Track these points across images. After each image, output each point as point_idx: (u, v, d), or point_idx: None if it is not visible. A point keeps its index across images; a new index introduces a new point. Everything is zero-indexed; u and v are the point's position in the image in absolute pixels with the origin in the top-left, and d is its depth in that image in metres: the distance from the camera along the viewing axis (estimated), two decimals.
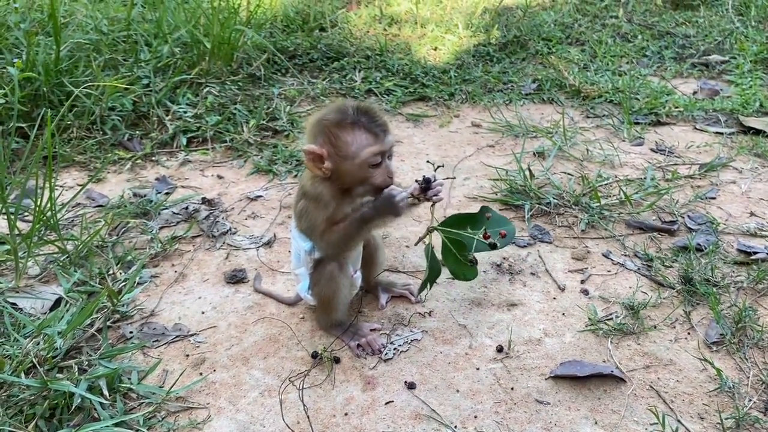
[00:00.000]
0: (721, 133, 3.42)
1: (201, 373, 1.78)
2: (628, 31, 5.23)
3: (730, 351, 1.86)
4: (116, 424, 1.55)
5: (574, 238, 2.45)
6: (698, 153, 3.20)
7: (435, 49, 4.65)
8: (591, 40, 4.94)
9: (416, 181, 1.78)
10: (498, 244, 1.80)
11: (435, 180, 1.77)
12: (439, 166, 1.85)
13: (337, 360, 1.83)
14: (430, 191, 1.76)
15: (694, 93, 4.05)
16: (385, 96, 3.86)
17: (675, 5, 5.97)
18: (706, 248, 2.32)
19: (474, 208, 2.62)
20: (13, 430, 1.50)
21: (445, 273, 1.90)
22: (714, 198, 2.74)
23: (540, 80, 4.14)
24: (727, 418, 1.62)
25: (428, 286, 1.86)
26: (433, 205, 1.81)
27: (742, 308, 1.95)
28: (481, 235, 1.78)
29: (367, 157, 1.67)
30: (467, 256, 1.80)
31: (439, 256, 1.85)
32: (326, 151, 1.68)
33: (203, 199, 2.70)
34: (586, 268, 2.26)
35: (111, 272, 2.17)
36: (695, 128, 3.52)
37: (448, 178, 1.95)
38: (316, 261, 1.84)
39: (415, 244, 1.92)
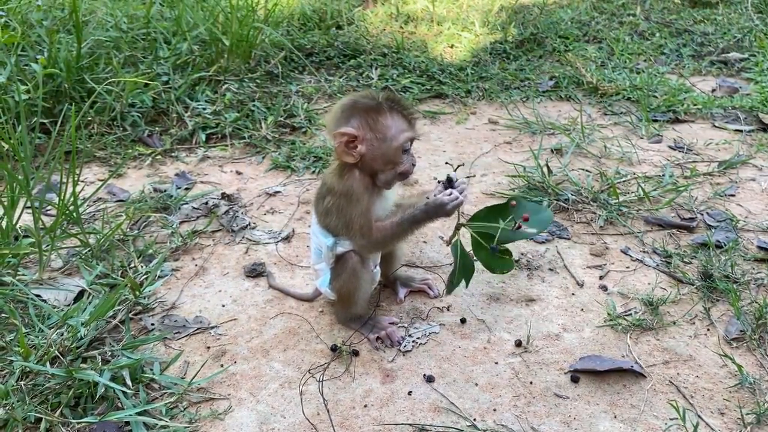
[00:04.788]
0: (741, 131, 3.39)
1: (222, 365, 1.80)
2: (645, 28, 5.21)
3: (751, 347, 1.86)
4: (139, 413, 1.57)
5: (593, 234, 2.45)
6: (717, 150, 3.18)
7: (451, 46, 4.65)
8: (608, 38, 4.92)
9: (438, 181, 1.83)
10: (530, 231, 1.79)
11: (457, 180, 1.81)
12: (459, 165, 1.87)
13: (356, 353, 1.84)
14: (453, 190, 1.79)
15: (713, 91, 4.02)
16: (401, 93, 3.87)
17: (693, 3, 5.93)
18: (725, 245, 2.30)
19: (491, 204, 2.63)
20: (40, 416, 1.53)
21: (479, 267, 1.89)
22: (733, 195, 2.72)
23: (557, 78, 4.13)
24: (747, 414, 1.61)
25: (462, 283, 1.86)
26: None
27: (762, 305, 1.94)
28: (513, 225, 1.78)
29: (404, 142, 1.72)
30: (499, 247, 1.80)
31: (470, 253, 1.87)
32: (362, 134, 1.69)
33: (222, 194, 2.72)
34: (605, 264, 2.26)
35: (132, 265, 2.20)
36: (714, 126, 3.49)
37: (468, 177, 1.96)
38: (338, 256, 1.86)
39: (448, 245, 1.90)
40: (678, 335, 1.91)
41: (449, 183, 1.81)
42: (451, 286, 1.89)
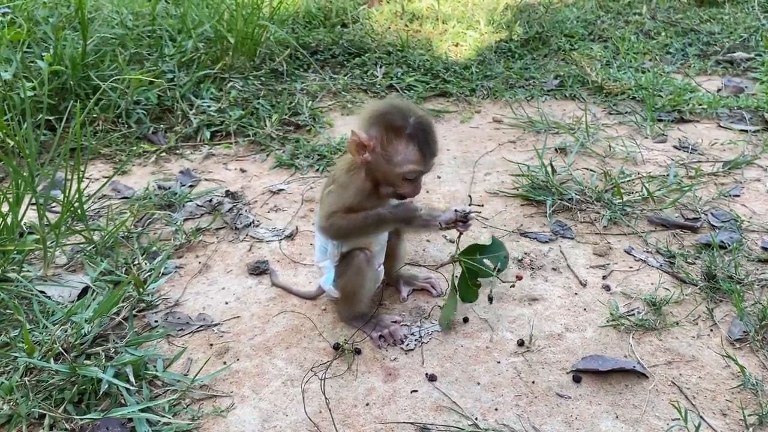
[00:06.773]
0: (746, 131, 3.38)
1: (225, 362, 1.81)
2: (651, 28, 5.19)
3: (754, 348, 1.85)
4: (142, 410, 1.58)
5: (596, 234, 2.44)
6: (722, 150, 3.17)
7: (456, 45, 4.65)
8: (614, 37, 4.91)
9: (455, 210, 1.85)
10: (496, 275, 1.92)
11: (471, 215, 1.85)
12: (473, 205, 1.91)
13: (358, 351, 1.85)
14: (463, 225, 1.85)
15: (719, 90, 4.01)
16: (406, 91, 3.87)
17: (699, 2, 5.91)
18: (729, 245, 2.30)
19: (494, 203, 2.64)
20: (44, 413, 1.54)
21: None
22: (738, 195, 2.71)
23: (562, 76, 4.12)
24: (750, 415, 1.61)
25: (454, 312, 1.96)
26: (459, 236, 1.90)
27: (766, 305, 1.93)
28: (496, 266, 1.91)
29: (406, 172, 1.70)
30: (476, 282, 1.93)
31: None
32: (373, 145, 1.69)
33: (227, 192, 2.73)
34: (608, 264, 2.26)
35: (136, 262, 2.21)
36: (719, 126, 3.48)
37: (478, 213, 2.17)
38: (343, 254, 1.86)
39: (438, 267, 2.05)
40: (681, 336, 1.91)
41: (465, 218, 1.84)
42: (445, 319, 1.96)
